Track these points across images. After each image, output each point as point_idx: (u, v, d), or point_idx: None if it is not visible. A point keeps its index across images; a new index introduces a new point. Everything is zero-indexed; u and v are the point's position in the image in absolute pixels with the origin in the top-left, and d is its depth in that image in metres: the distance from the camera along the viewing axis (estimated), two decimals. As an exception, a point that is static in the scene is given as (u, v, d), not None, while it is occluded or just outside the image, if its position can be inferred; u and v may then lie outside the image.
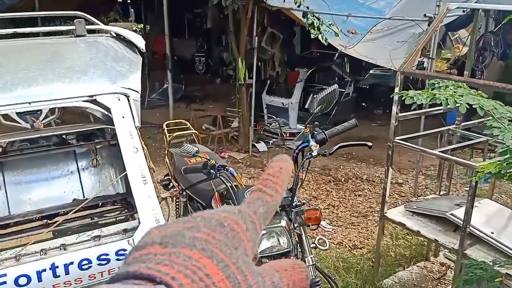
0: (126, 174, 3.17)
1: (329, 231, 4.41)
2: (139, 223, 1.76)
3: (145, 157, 3.33)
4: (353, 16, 5.91)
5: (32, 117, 3.26)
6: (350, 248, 4.05)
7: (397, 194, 5.33)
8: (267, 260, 2.18)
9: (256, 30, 6.45)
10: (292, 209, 2.19)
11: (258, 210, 0.40)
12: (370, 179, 5.76)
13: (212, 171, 2.38)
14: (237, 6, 5.64)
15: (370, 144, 2.32)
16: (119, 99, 1.86)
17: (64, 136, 3.40)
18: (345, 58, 8.35)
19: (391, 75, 7.71)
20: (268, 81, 7.51)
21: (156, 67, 11.64)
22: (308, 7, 5.97)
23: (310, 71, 7.57)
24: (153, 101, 10.21)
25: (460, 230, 2.91)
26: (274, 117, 7.11)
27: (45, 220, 3.07)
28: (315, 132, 2.27)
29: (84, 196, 3.39)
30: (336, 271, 3.55)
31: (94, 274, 1.69)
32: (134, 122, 1.89)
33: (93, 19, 2.79)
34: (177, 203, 3.41)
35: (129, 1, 17.36)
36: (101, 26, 2.41)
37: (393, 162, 6.49)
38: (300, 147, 2.30)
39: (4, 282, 1.57)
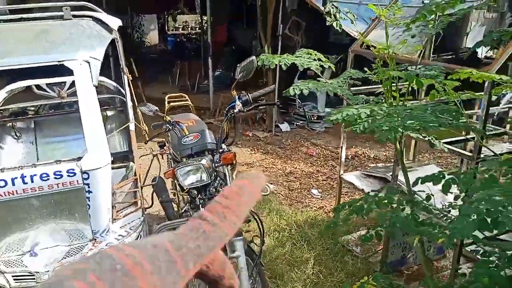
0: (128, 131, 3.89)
1: (317, 198, 4.92)
2: (87, 151, 2.48)
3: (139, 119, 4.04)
4: (363, 4, 6.26)
5: (58, 88, 4.11)
6: (327, 212, 4.54)
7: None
8: (195, 192, 2.80)
9: (282, 18, 7.00)
10: (218, 153, 2.79)
11: (185, 244, 0.32)
12: (377, 157, 6.12)
13: (168, 125, 3.04)
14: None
15: (277, 103, 2.88)
16: (80, 64, 2.57)
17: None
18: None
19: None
20: (299, 67, 8.03)
21: (215, 55, 12.48)
22: (327, -4, 6.42)
23: (340, 57, 7.99)
24: (204, 87, 11.06)
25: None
26: (300, 101, 7.62)
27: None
28: (241, 95, 2.84)
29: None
30: (301, 226, 4.08)
31: (52, 185, 2.43)
32: (92, 80, 2.60)
33: (95, 7, 3.54)
34: (168, 160, 4.12)
35: (195, -5, 18.33)
36: (91, 12, 3.15)
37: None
38: (229, 107, 2.88)
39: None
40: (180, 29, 17.27)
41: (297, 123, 7.61)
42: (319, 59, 2.15)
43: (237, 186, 0.35)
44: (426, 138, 2.11)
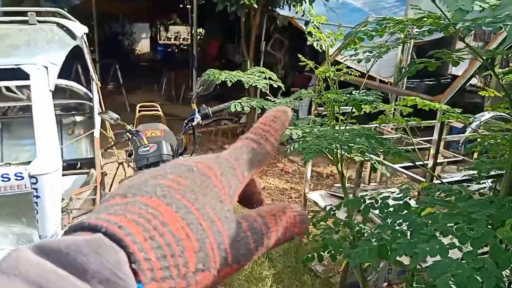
0: (92, 136, 3.86)
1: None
2: (36, 156, 2.45)
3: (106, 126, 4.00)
4: (343, 26, 6.32)
5: (27, 90, 4.08)
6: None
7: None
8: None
9: (265, 35, 7.05)
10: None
11: (240, 156, 0.37)
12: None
13: (129, 134, 3.03)
14: (241, 13, 6.26)
15: (236, 119, 2.87)
16: (38, 69, 2.56)
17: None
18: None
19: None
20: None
21: (205, 67, 12.51)
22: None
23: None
24: (190, 98, 11.07)
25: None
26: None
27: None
28: (201, 108, 2.84)
29: (63, 157, 4.16)
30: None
31: (-2, 188, 2.39)
32: (49, 85, 2.58)
33: (67, 14, 3.53)
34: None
35: (188, 7, 18.54)
36: (57, 18, 3.15)
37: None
38: (188, 119, 2.88)
39: None
40: (172, 39, 17.36)
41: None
42: (270, 78, 2.15)
43: (271, 115, 0.40)
44: (372, 161, 2.11)
